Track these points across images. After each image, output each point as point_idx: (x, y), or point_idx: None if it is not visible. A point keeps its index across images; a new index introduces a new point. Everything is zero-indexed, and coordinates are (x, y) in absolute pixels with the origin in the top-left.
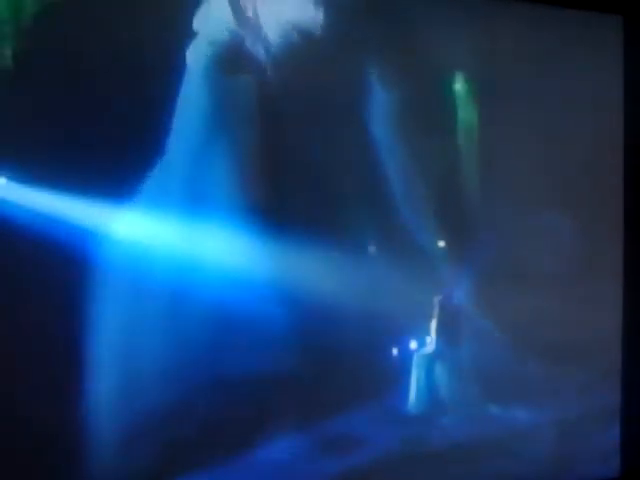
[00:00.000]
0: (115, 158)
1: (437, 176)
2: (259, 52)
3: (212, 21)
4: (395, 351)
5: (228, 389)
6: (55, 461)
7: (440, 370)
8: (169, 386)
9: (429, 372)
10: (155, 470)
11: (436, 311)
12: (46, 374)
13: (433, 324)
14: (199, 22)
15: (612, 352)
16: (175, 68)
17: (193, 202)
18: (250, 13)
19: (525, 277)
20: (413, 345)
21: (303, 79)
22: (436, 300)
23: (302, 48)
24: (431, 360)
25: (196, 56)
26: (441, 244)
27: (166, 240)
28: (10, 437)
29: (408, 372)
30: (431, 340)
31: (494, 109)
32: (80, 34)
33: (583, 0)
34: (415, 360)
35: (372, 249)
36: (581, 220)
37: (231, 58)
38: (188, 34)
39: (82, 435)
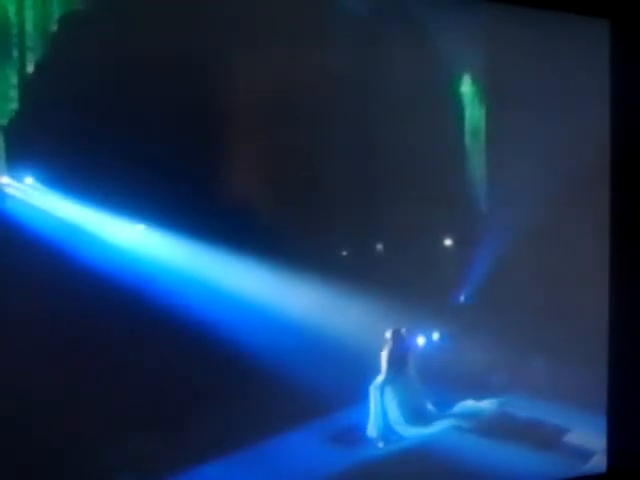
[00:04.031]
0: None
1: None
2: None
3: None
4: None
5: (237, 386)
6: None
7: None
8: (178, 383)
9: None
10: (166, 463)
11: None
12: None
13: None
14: None
15: (599, 352)
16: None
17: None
18: None
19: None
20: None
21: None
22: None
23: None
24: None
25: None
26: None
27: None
28: None
29: None
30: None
31: (490, 111)
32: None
33: (571, 3)
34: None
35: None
36: (570, 216)
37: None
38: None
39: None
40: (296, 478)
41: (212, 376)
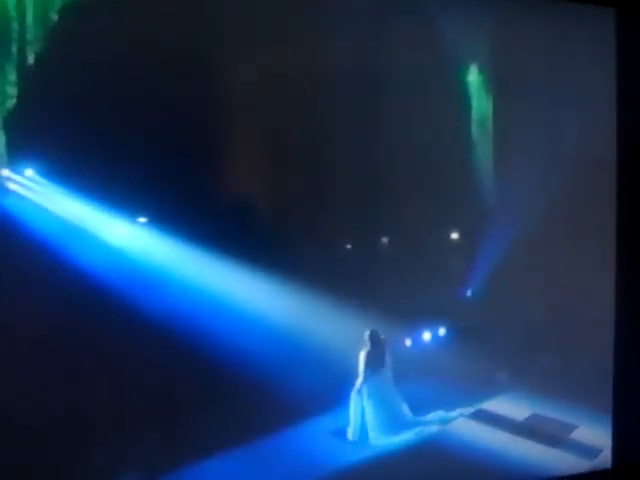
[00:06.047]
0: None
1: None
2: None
3: None
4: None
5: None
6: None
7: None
8: (179, 380)
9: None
10: (167, 459)
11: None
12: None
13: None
14: None
15: (605, 350)
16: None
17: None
18: None
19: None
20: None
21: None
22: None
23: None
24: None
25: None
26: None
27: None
28: None
29: None
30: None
31: (496, 102)
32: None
33: None
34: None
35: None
36: (576, 212)
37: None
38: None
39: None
40: (301, 472)
41: (211, 377)
